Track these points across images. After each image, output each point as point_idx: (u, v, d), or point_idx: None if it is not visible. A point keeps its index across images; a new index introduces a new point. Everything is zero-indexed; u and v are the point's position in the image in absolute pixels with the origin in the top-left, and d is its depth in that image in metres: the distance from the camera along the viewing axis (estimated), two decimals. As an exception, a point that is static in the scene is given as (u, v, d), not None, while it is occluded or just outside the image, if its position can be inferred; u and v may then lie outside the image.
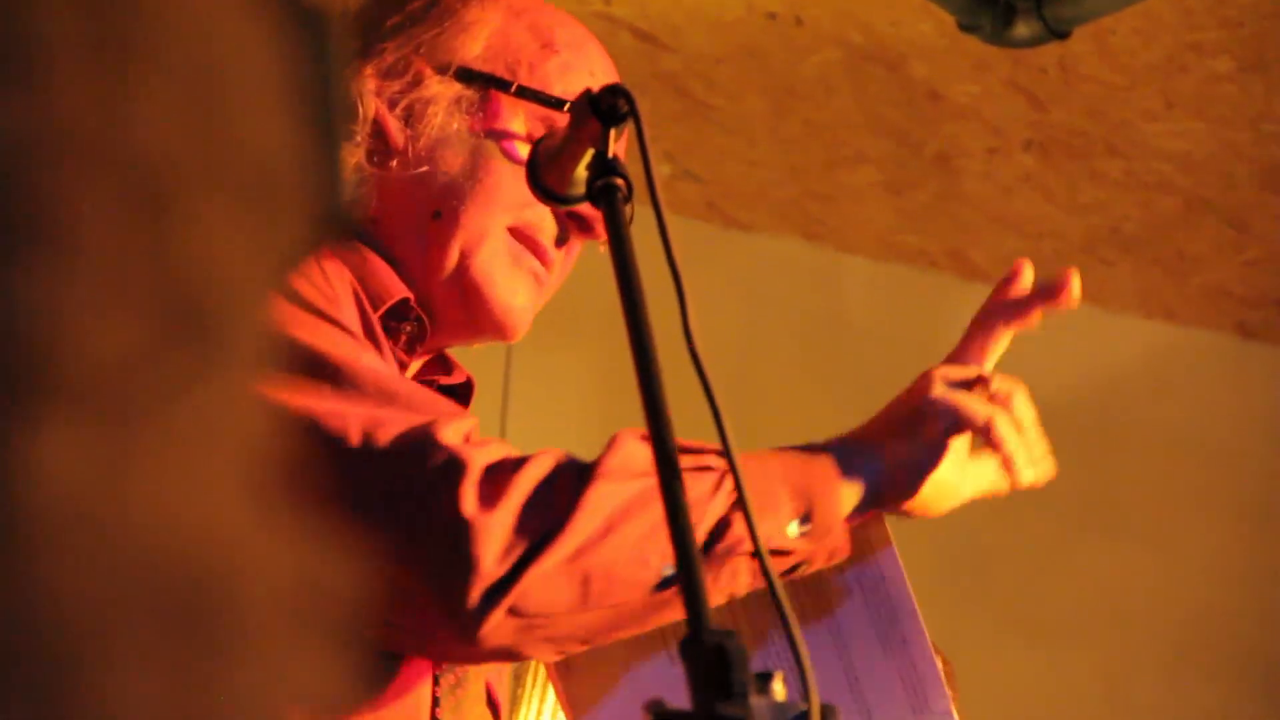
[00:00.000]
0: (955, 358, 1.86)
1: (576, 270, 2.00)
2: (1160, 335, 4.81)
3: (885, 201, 4.45)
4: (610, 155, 1.68)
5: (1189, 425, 4.80)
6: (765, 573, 1.40)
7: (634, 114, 1.67)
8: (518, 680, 2.68)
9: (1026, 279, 1.89)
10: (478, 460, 1.65)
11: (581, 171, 1.73)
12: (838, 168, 4.34)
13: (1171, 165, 4.25)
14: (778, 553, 1.74)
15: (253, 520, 0.58)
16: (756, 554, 1.43)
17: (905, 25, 3.88)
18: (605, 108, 1.68)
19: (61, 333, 0.54)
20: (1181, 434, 4.79)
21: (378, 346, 1.82)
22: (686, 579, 1.26)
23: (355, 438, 1.65)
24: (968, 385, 1.81)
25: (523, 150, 1.88)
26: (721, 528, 1.70)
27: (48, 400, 0.54)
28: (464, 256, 1.89)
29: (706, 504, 1.70)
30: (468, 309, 1.91)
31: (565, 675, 1.90)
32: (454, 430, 1.67)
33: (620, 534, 1.66)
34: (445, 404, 1.77)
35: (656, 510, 1.41)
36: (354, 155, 1.88)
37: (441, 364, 2.00)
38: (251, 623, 0.57)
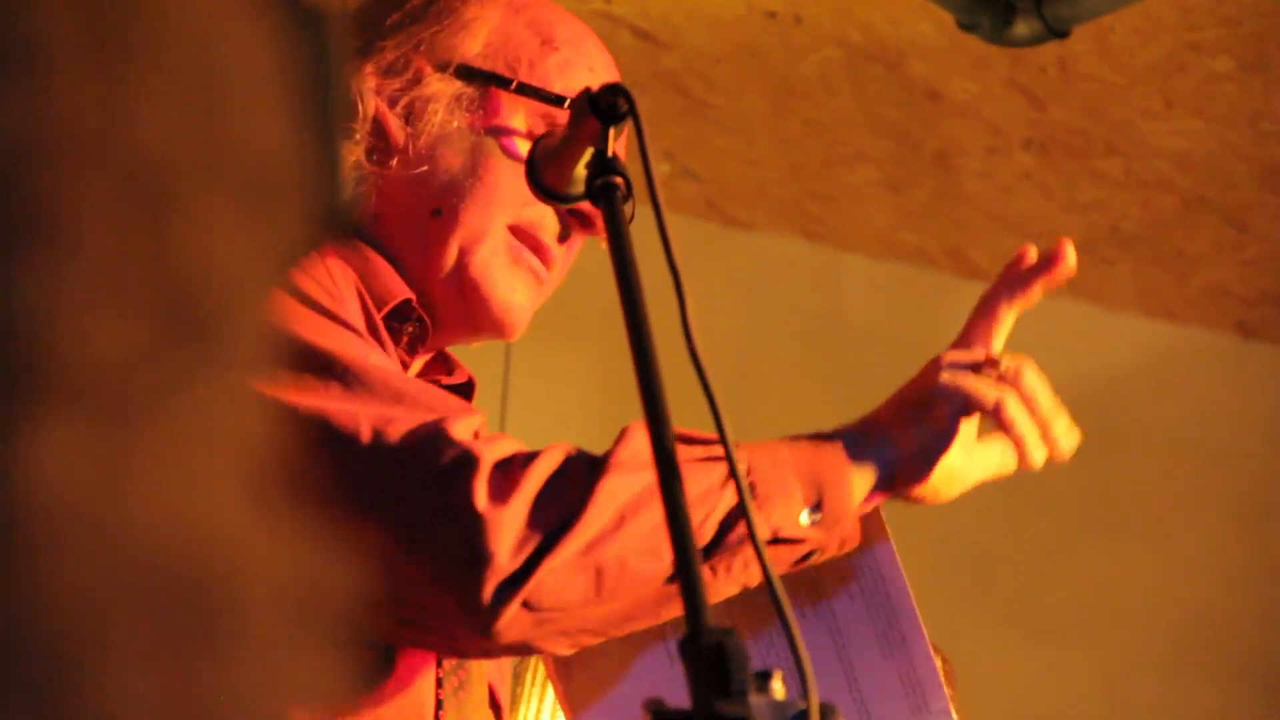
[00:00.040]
0: (960, 344, 1.85)
1: (576, 269, 2.00)
2: (1160, 334, 4.81)
3: (884, 200, 4.45)
4: (609, 154, 1.68)
5: (1188, 424, 4.80)
6: (763, 569, 1.39)
7: (633, 113, 1.67)
8: (517, 679, 2.68)
9: (1029, 261, 1.88)
10: (489, 455, 1.65)
11: (581, 170, 1.73)
12: (837, 166, 4.34)
13: (1171, 164, 4.25)
14: (790, 541, 1.74)
15: (253, 520, 0.58)
16: (755, 547, 1.43)
17: (905, 24, 3.88)
18: (604, 106, 1.69)
19: (61, 332, 0.54)
20: (1181, 433, 4.79)
21: (381, 346, 1.82)
22: (685, 578, 1.26)
23: (366, 435, 1.65)
24: (975, 368, 1.80)
25: (523, 147, 1.87)
26: (734, 517, 1.70)
27: (47, 400, 0.54)
28: (463, 254, 1.89)
29: (719, 493, 1.70)
30: (466, 307, 1.91)
31: (564, 672, 1.90)
32: (464, 426, 1.68)
33: (632, 526, 1.66)
34: (454, 401, 1.77)
35: (681, 489, 1.41)
36: (354, 153, 1.88)
37: (443, 363, 2.00)
38: (252, 623, 0.57)
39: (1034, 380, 1.80)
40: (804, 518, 1.73)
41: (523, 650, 1.70)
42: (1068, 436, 1.81)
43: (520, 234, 1.91)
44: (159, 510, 0.55)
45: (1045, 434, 1.79)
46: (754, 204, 4.49)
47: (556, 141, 1.77)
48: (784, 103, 4.14)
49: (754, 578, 1.72)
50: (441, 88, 1.92)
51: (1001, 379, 1.79)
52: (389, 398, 1.68)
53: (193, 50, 0.59)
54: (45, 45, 0.56)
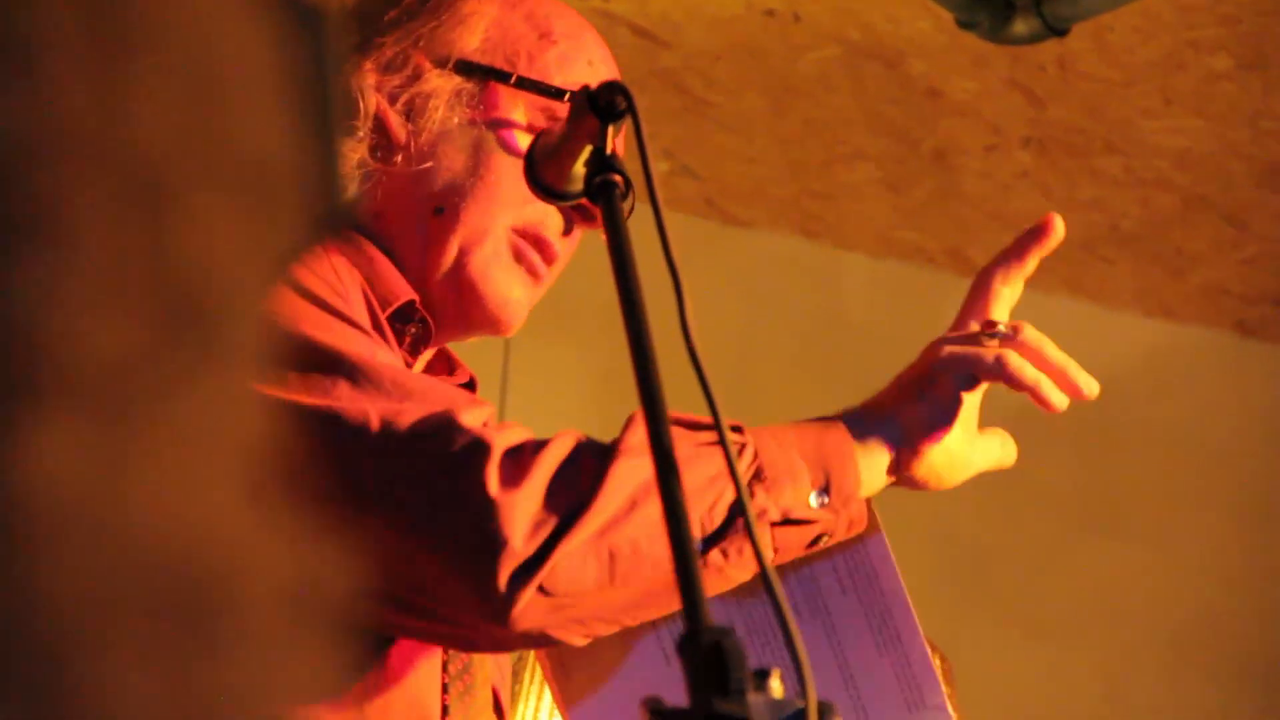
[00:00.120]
0: (957, 327, 1.85)
1: (575, 265, 2.00)
2: (1159, 333, 4.81)
3: (884, 198, 4.45)
4: (608, 152, 1.68)
5: (1187, 424, 4.80)
6: (760, 562, 1.39)
7: (632, 111, 1.67)
8: (515, 677, 2.68)
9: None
10: (500, 442, 1.66)
11: (580, 167, 1.73)
12: (836, 165, 4.34)
13: (1170, 163, 4.25)
14: (801, 522, 1.74)
15: (254, 519, 0.58)
16: (751, 538, 1.43)
17: (904, 22, 3.88)
18: (603, 104, 1.68)
19: (60, 331, 0.54)
20: (1180, 433, 4.79)
21: (386, 346, 1.82)
22: (684, 577, 1.26)
23: (375, 427, 1.66)
24: (972, 339, 1.80)
25: (524, 141, 1.87)
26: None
27: (47, 399, 0.54)
28: (463, 253, 1.89)
29: (729, 477, 1.70)
30: (462, 304, 1.91)
31: (559, 669, 1.90)
32: (474, 415, 1.68)
33: (644, 510, 1.66)
34: (462, 394, 1.78)
35: (680, 486, 1.41)
36: (357, 151, 1.88)
37: (444, 363, 2.00)
38: (251, 622, 0.57)
39: (1035, 334, 1.79)
40: (813, 500, 1.74)
41: (537, 640, 1.69)
42: (1086, 376, 1.80)
43: (525, 235, 1.91)
44: (158, 510, 0.55)
45: (1063, 379, 1.79)
46: (753, 202, 4.49)
47: (555, 139, 1.76)
48: (783, 101, 4.14)
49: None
50: (441, 83, 1.92)
51: (1001, 343, 1.78)
52: (397, 394, 1.68)
53: (192, 49, 0.59)
54: (45, 44, 0.56)
